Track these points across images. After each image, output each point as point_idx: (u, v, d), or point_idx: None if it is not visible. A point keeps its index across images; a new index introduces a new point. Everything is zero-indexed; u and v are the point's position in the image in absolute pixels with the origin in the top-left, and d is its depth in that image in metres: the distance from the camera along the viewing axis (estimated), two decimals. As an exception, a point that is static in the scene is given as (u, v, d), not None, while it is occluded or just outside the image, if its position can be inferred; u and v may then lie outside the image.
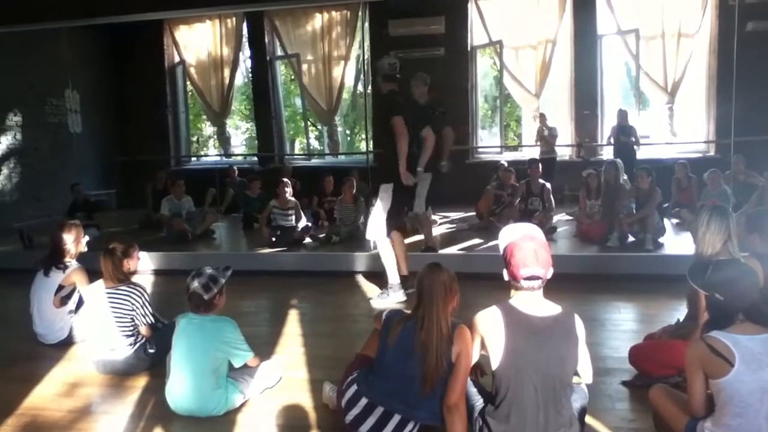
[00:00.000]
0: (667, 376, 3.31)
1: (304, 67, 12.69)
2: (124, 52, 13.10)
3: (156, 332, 4.07)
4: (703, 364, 2.42)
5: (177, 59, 13.52)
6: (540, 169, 8.54)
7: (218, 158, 15.15)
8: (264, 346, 4.22)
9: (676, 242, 7.32)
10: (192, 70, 13.38)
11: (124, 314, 3.93)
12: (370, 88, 12.19)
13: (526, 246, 2.61)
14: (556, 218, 8.65)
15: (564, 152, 11.56)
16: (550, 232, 7.70)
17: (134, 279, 4.21)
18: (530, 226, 2.91)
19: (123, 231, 9.47)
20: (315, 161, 13.77)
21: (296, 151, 17.80)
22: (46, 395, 3.73)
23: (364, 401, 2.87)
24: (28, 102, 11.15)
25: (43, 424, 3.37)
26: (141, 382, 3.86)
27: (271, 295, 6.20)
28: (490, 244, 7.21)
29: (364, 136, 16.54)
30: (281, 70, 13.92)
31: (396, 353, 2.87)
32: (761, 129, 8.64)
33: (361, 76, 12.55)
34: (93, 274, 4.41)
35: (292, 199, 8.35)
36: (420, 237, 7.16)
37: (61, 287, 4.57)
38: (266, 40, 12.75)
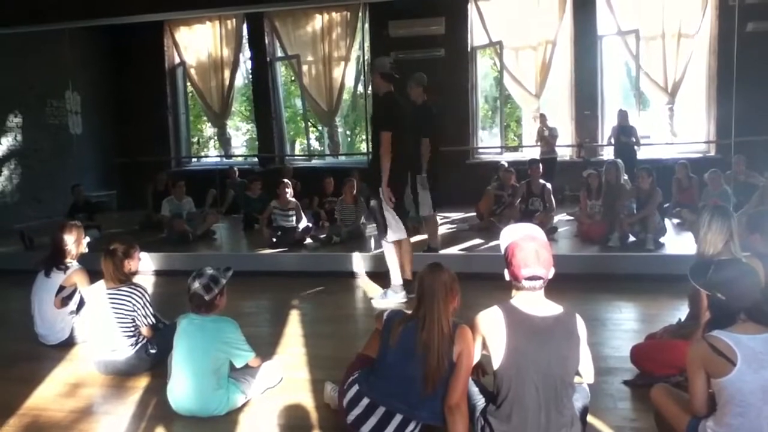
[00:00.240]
0: (669, 376, 3.31)
1: (305, 68, 12.70)
2: (125, 54, 13.11)
3: (157, 333, 4.07)
4: (704, 363, 2.41)
5: (177, 60, 13.53)
6: (540, 170, 8.54)
7: (219, 159, 15.16)
8: (265, 346, 4.22)
9: (677, 242, 7.32)
10: (192, 71, 13.38)
11: (125, 315, 3.94)
12: (370, 88, 12.22)
13: (528, 246, 2.61)
14: (556, 218, 8.65)
15: (564, 152, 11.56)
16: (550, 232, 7.70)
17: (135, 280, 4.21)
18: (531, 226, 2.90)
19: (124, 232, 9.48)
20: (315, 162, 13.78)
21: (297, 152, 17.82)
22: (47, 396, 3.74)
23: (365, 401, 2.87)
24: (28, 103, 11.16)
25: (45, 425, 3.37)
26: (142, 382, 3.86)
27: (271, 296, 6.20)
28: (491, 244, 7.22)
29: (364, 136, 16.56)
30: (281, 71, 13.93)
31: (397, 353, 2.87)
32: (761, 129, 8.66)
33: (362, 76, 12.56)
34: (94, 275, 4.42)
35: (293, 199, 8.36)
36: (422, 237, 7.16)
37: (62, 288, 4.57)
38: (266, 41, 12.75)
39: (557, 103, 12.06)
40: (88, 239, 4.94)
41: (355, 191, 8.62)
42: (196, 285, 3.36)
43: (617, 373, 3.67)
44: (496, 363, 2.59)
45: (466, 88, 11.88)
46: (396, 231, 5.34)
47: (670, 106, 11.20)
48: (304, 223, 8.31)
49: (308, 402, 3.49)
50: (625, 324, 4.80)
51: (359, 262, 6.74)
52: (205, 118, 17.21)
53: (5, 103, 10.72)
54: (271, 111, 13.01)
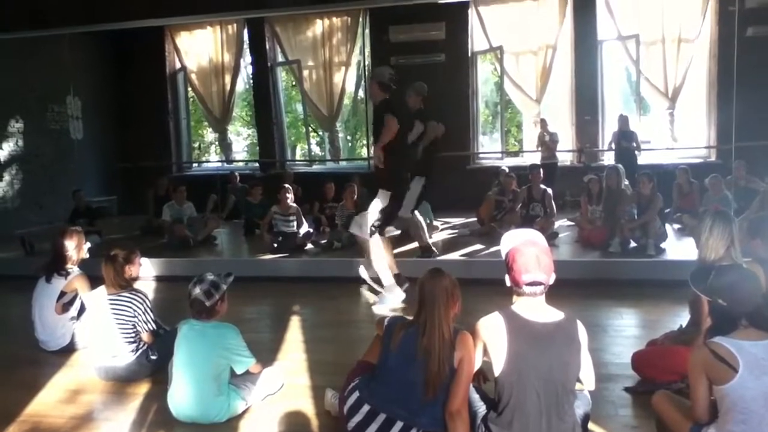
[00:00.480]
0: (670, 382, 3.30)
1: (305, 73, 12.72)
2: (126, 59, 13.16)
3: (158, 339, 4.06)
4: (706, 370, 2.41)
5: (178, 65, 13.56)
6: (541, 175, 8.54)
7: (220, 164, 15.14)
8: (266, 352, 4.22)
9: (678, 247, 7.31)
10: (193, 77, 13.41)
11: (126, 321, 3.93)
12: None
13: (528, 252, 2.61)
14: (557, 224, 8.64)
15: (565, 158, 11.57)
16: (551, 237, 7.69)
17: (136, 285, 4.21)
18: (532, 231, 2.91)
19: (124, 237, 9.47)
20: (316, 167, 13.79)
21: (297, 157, 17.83)
22: (48, 402, 3.73)
23: (366, 408, 2.86)
24: (29, 108, 11.18)
25: (45, 431, 3.36)
26: (143, 388, 3.86)
27: (272, 301, 6.19)
28: (492, 249, 7.21)
29: (365, 142, 16.57)
30: (282, 76, 13.95)
31: (398, 359, 2.86)
32: (762, 134, 8.66)
33: (362, 82, 12.58)
34: (95, 281, 4.41)
35: (294, 205, 8.36)
36: (415, 244, 7.16)
37: (62, 294, 4.57)
38: (267, 47, 12.78)
39: (558, 108, 12.07)
40: (88, 245, 4.95)
41: (355, 196, 8.62)
42: (197, 291, 3.36)
43: (618, 380, 3.66)
44: (497, 369, 2.59)
45: (467, 93, 11.90)
46: (364, 226, 5.38)
47: (671, 111, 11.21)
48: (304, 228, 8.31)
49: (309, 409, 3.48)
50: (626, 330, 4.79)
51: (360, 268, 6.72)
52: (206, 123, 17.23)
53: (6, 108, 10.74)
54: (271, 116, 13.03)
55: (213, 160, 19.26)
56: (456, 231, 9.04)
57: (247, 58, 13.43)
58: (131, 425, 3.38)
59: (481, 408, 2.77)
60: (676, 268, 5.53)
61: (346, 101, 13.34)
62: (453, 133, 11.05)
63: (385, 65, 5.85)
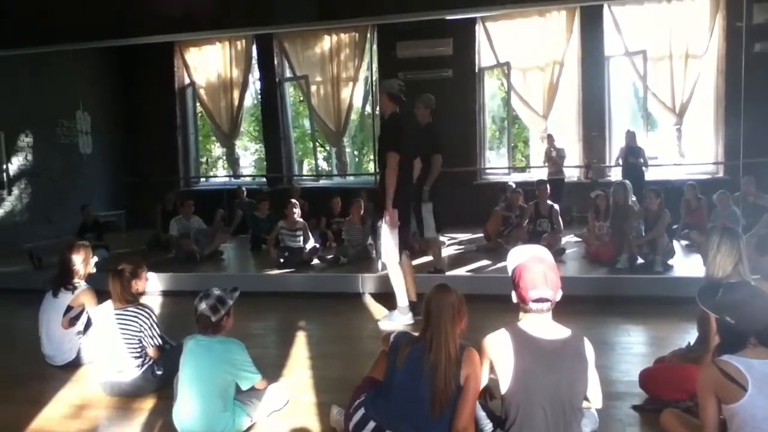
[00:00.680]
0: (678, 401, 3.26)
1: (313, 88, 12.79)
2: (135, 74, 13.28)
3: (164, 354, 4.06)
4: (715, 388, 2.38)
5: (187, 81, 13.67)
6: (548, 191, 8.54)
7: (227, 179, 15.22)
8: (271, 368, 4.21)
9: (686, 264, 7.27)
10: (202, 92, 13.51)
11: (132, 335, 3.93)
12: (378, 109, 12.27)
13: (535, 268, 2.60)
14: (564, 239, 8.62)
15: (572, 173, 11.56)
16: (558, 253, 7.67)
17: (142, 300, 4.21)
18: (539, 247, 2.90)
19: (132, 252, 9.50)
20: (323, 182, 13.82)
21: (305, 172, 17.88)
22: (53, 417, 3.72)
23: (372, 425, 2.84)
24: (39, 123, 11.27)
25: (50, 447, 3.36)
26: (148, 403, 3.85)
27: (278, 317, 6.19)
28: (499, 265, 7.18)
29: (372, 156, 16.61)
30: (290, 91, 14.04)
31: (405, 375, 2.85)
32: (770, 150, 8.62)
33: (370, 97, 12.63)
34: (102, 295, 4.41)
35: (301, 220, 8.37)
36: (428, 258, 7.15)
37: (69, 308, 4.56)
38: (275, 62, 12.87)
39: (565, 123, 12.08)
40: (96, 259, 4.95)
41: (362, 211, 8.63)
42: (203, 306, 3.35)
43: (626, 398, 3.63)
44: (504, 387, 2.57)
45: (474, 108, 11.93)
46: (389, 253, 5.35)
47: (678, 126, 11.20)
48: (311, 243, 8.31)
49: (314, 425, 3.46)
50: (634, 347, 4.76)
51: (366, 283, 6.73)
52: (214, 138, 17.32)
53: (16, 122, 10.83)
54: (279, 131, 13.09)
55: (220, 175, 19.32)
56: (463, 246, 9.03)
57: (255, 74, 13.53)
58: (136, 441, 3.37)
59: (488, 426, 2.76)
60: (684, 285, 5.49)
61: (354, 116, 13.39)
62: (460, 149, 11.16)
63: (394, 79, 5.86)
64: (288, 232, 8.23)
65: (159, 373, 3.96)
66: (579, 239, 8.83)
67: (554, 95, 11.67)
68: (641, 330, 5.27)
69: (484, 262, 7.74)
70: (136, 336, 3.94)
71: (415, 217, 6.24)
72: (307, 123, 17.30)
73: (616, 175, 10.90)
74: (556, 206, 8.44)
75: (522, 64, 11.82)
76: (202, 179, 15.30)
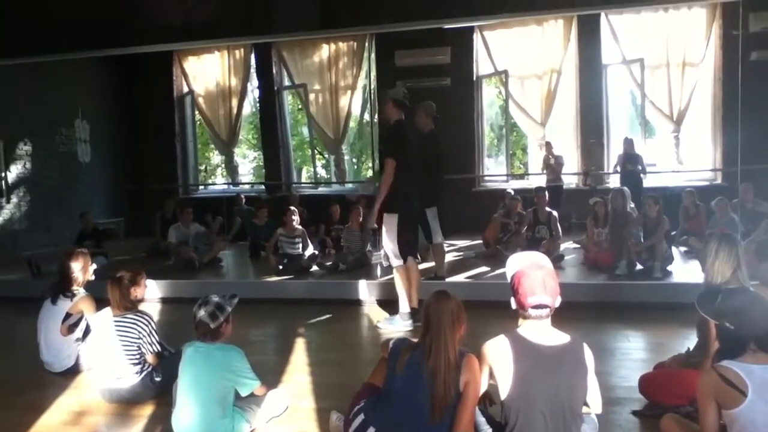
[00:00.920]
0: (678, 406, 3.27)
1: (312, 96, 12.81)
2: (134, 82, 13.30)
3: (162, 360, 4.06)
4: (715, 394, 2.39)
5: (186, 89, 13.68)
6: (547, 198, 8.55)
7: (226, 187, 15.24)
8: (271, 374, 4.21)
9: (685, 270, 7.27)
10: (200, 100, 13.52)
11: (131, 342, 3.93)
12: (376, 117, 12.31)
13: (534, 274, 2.61)
14: (563, 246, 8.62)
15: (570, 180, 11.58)
16: (557, 260, 7.67)
17: (141, 307, 4.21)
18: (538, 254, 2.91)
19: (131, 259, 9.48)
20: (322, 189, 13.83)
21: (303, 180, 17.91)
22: (52, 424, 3.71)
23: (371, 431, 2.84)
24: (38, 131, 11.27)
25: (49, 454, 3.35)
26: (147, 410, 3.84)
27: (277, 323, 6.19)
28: (498, 272, 7.19)
29: (370, 164, 16.64)
30: (288, 99, 14.07)
31: (404, 381, 2.85)
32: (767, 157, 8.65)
33: (368, 105, 12.66)
34: (101, 302, 4.41)
35: (299, 227, 8.37)
36: (428, 264, 7.16)
37: (68, 315, 4.57)
38: (274, 71, 12.89)
39: (563, 131, 12.11)
40: (95, 266, 4.95)
41: (361, 219, 8.63)
42: (202, 313, 3.35)
43: (626, 404, 3.63)
44: (504, 393, 2.58)
45: (472, 116, 11.95)
46: (391, 257, 5.43)
47: (676, 134, 11.24)
48: (310, 250, 8.30)
49: (313, 431, 3.45)
50: (634, 353, 4.76)
51: (365, 290, 6.73)
52: (212, 145, 17.36)
53: (15, 130, 10.83)
54: (278, 139, 13.10)
55: (219, 183, 19.37)
56: (462, 253, 9.03)
57: (253, 82, 13.55)
58: (135, 448, 3.36)
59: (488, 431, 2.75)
60: (683, 291, 5.50)
61: (352, 124, 13.40)
62: (459, 156, 11.17)
63: (393, 87, 5.91)
64: (287, 239, 8.23)
65: (158, 379, 3.96)
66: (578, 246, 8.83)
67: (552, 103, 11.70)
68: (641, 336, 5.27)
69: (483, 269, 7.74)
70: (135, 343, 3.93)
71: (421, 227, 6.30)
72: (305, 131, 17.35)
73: (614, 182, 10.92)
74: (555, 213, 8.45)
75: (520, 72, 11.85)
76: (201, 187, 15.30)
